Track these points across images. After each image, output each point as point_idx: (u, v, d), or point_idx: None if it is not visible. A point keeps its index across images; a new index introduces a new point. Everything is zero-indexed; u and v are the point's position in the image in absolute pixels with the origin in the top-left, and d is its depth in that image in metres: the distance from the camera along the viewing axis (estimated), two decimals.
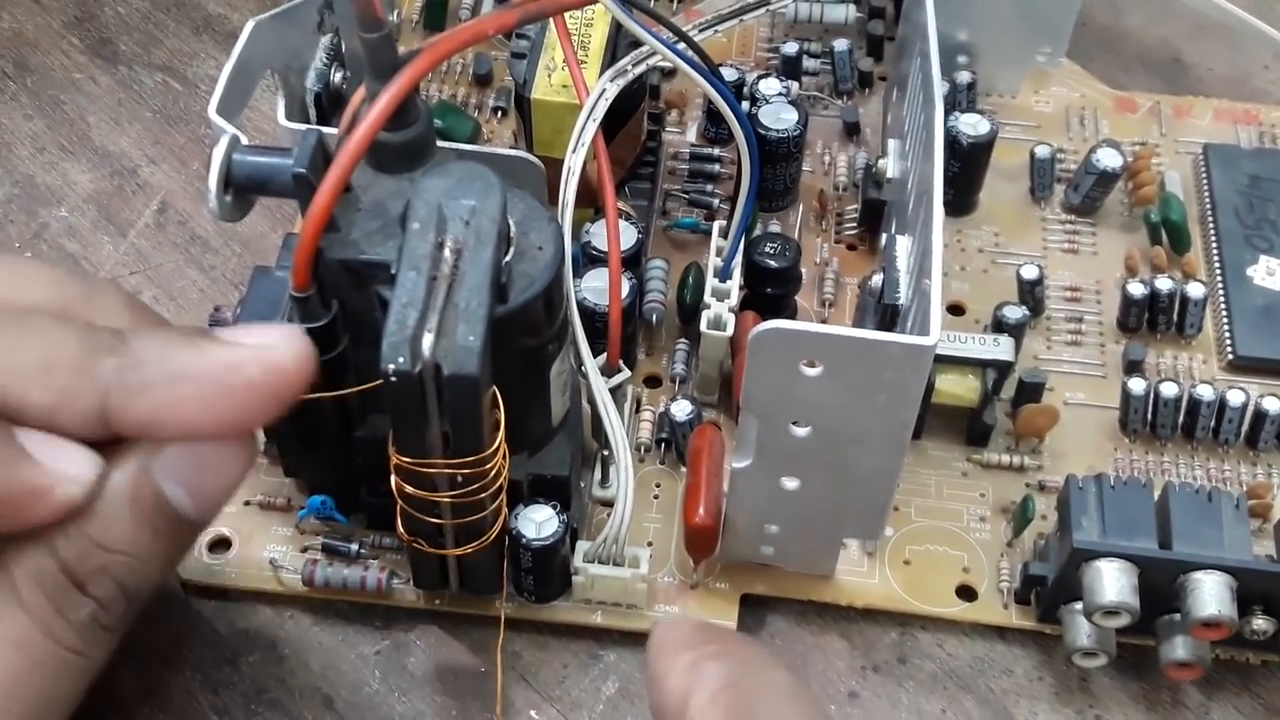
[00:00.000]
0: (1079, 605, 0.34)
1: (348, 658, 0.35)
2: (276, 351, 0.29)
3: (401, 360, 0.28)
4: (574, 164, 0.36)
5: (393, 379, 0.28)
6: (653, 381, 0.41)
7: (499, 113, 0.47)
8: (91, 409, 0.28)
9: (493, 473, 0.31)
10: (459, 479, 0.31)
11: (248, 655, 0.35)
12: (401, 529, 0.33)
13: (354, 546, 0.36)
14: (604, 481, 0.38)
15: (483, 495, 0.31)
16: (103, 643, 0.29)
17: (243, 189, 0.31)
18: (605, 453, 0.37)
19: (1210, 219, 0.43)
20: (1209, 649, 0.34)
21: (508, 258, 0.31)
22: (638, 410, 0.40)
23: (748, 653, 0.29)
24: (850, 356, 0.29)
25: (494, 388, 0.30)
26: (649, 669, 0.29)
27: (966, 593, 0.36)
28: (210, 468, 0.29)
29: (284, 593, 0.36)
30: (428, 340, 0.28)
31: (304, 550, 0.37)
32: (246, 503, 0.37)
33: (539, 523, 0.34)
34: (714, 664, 0.27)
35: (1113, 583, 0.32)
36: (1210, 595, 0.32)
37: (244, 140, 0.32)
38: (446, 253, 0.30)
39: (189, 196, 0.45)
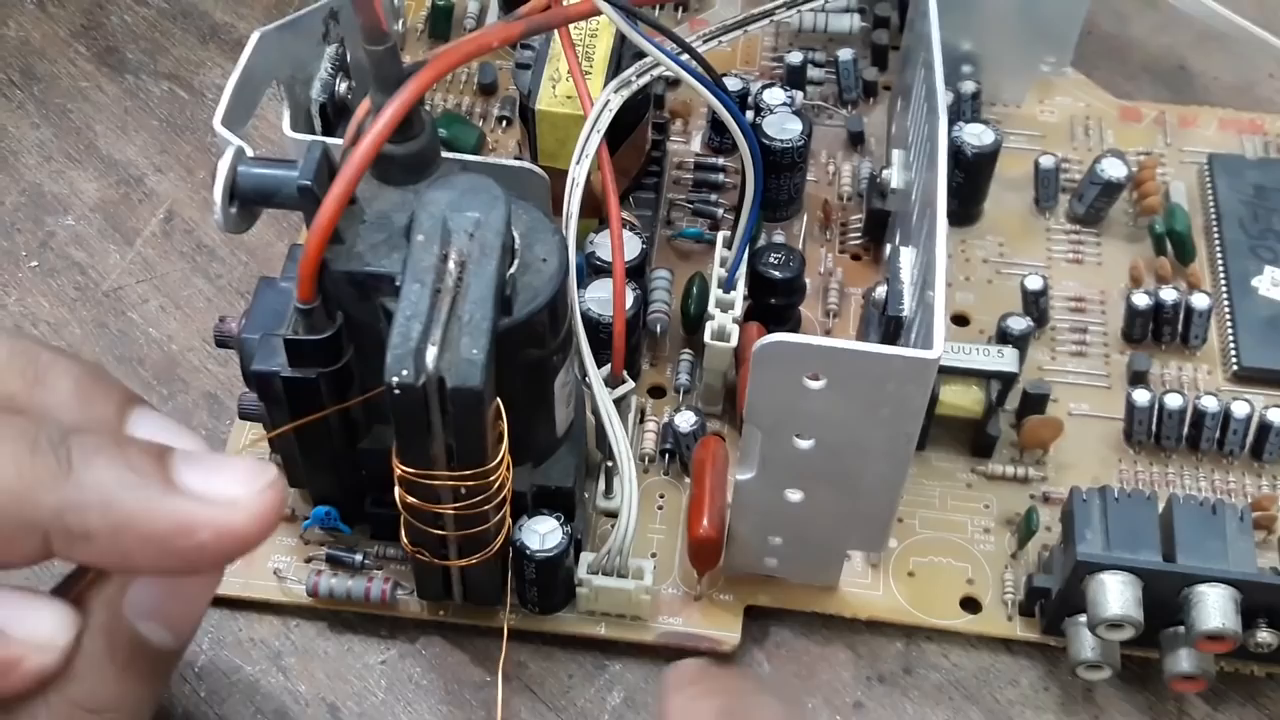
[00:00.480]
0: (1083, 618, 0.34)
1: (353, 667, 0.35)
2: (237, 514, 0.26)
3: (405, 373, 0.28)
4: (578, 175, 0.36)
5: (396, 391, 0.28)
6: (657, 392, 0.41)
7: (504, 122, 0.47)
8: (32, 549, 0.25)
9: (496, 484, 0.31)
10: (462, 491, 0.31)
11: (253, 666, 0.35)
12: (405, 540, 0.33)
13: (358, 557, 0.36)
14: (608, 492, 0.38)
15: (486, 507, 0.31)
16: None
17: (248, 200, 0.31)
18: (609, 464, 0.37)
19: (1215, 229, 0.43)
20: (1213, 662, 0.34)
21: (512, 270, 0.31)
22: (642, 421, 0.40)
23: (739, 685, 0.30)
24: (853, 370, 0.29)
25: (497, 400, 0.30)
26: (658, 710, 0.30)
27: (971, 605, 0.36)
28: (184, 595, 0.28)
29: (289, 603, 0.36)
30: (431, 353, 0.28)
31: (308, 561, 0.37)
32: None
33: (543, 534, 0.34)
34: (706, 700, 0.29)
35: (1116, 596, 0.32)
36: (1214, 608, 0.32)
37: (249, 151, 0.32)
38: (450, 265, 0.30)
39: (195, 205, 0.45)
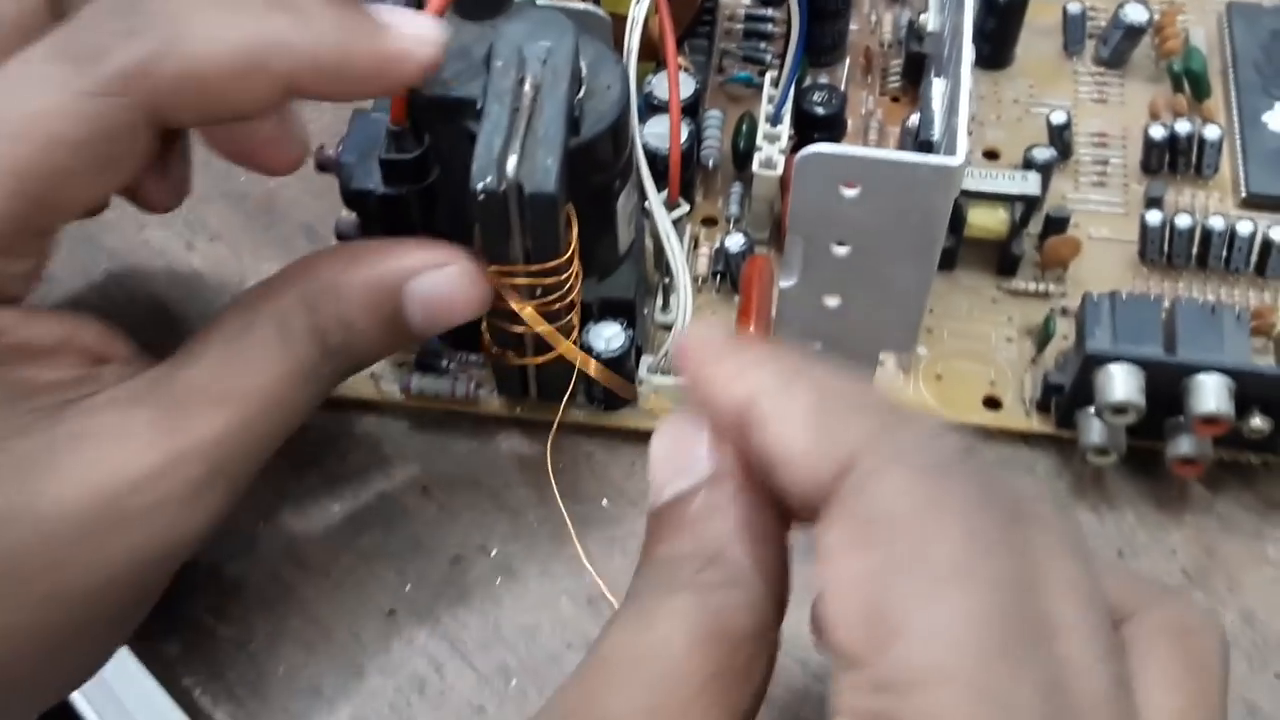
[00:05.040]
0: (1092, 407, 0.37)
1: (442, 455, 0.40)
2: (431, 46, 0.32)
3: (489, 180, 0.32)
4: (637, 14, 0.39)
5: (481, 197, 0.32)
6: (709, 222, 0.45)
7: None
8: (276, 95, 0.31)
9: (568, 284, 0.35)
10: (538, 291, 0.35)
11: (356, 454, 0.40)
12: (488, 341, 0.37)
13: (444, 362, 0.41)
14: (665, 307, 0.42)
15: (559, 305, 0.36)
16: (318, 398, 0.34)
17: None
18: (666, 280, 0.41)
19: (1230, 71, 0.46)
20: (1211, 446, 0.38)
21: (580, 95, 0.35)
22: (695, 247, 0.44)
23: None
24: (885, 177, 0.33)
25: (570, 207, 0.34)
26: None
27: (992, 403, 0.40)
28: (449, 308, 0.34)
29: (383, 401, 0.41)
30: (511, 162, 0.32)
31: (400, 365, 0.41)
32: None
33: (608, 337, 0.38)
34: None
35: (1121, 383, 0.36)
36: (1210, 394, 0.36)
37: None
38: (527, 88, 0.33)
39: None
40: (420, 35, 0.32)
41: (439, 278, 0.33)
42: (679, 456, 0.27)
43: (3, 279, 0.30)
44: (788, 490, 0.25)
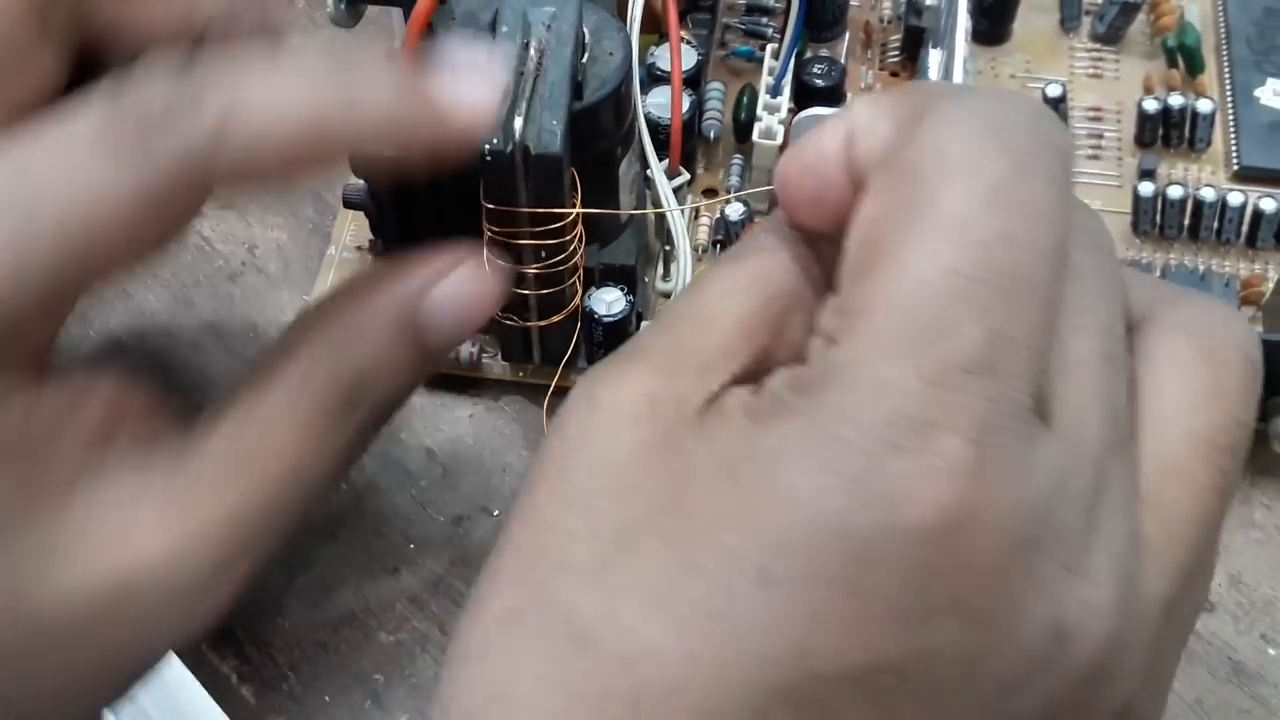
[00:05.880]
0: None
1: (446, 419, 0.41)
2: (481, 115, 0.29)
3: (496, 141, 0.33)
4: None
5: (488, 158, 0.33)
6: (710, 193, 0.45)
7: None
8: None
9: (571, 246, 0.36)
10: (543, 254, 0.36)
11: None
12: None
13: None
14: (665, 276, 0.42)
15: (562, 269, 0.36)
16: (354, 451, 0.31)
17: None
18: (667, 248, 0.42)
19: (1224, 47, 0.47)
20: None
21: (583, 60, 0.36)
22: (696, 217, 0.45)
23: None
24: None
25: (574, 171, 0.35)
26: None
27: None
28: (470, 313, 0.31)
29: None
30: (518, 124, 0.33)
31: None
32: None
33: (609, 302, 0.39)
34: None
35: None
36: None
37: None
38: (531, 52, 0.34)
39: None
40: (475, 103, 0.29)
41: (454, 283, 0.31)
42: None
43: (25, 353, 0.28)
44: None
